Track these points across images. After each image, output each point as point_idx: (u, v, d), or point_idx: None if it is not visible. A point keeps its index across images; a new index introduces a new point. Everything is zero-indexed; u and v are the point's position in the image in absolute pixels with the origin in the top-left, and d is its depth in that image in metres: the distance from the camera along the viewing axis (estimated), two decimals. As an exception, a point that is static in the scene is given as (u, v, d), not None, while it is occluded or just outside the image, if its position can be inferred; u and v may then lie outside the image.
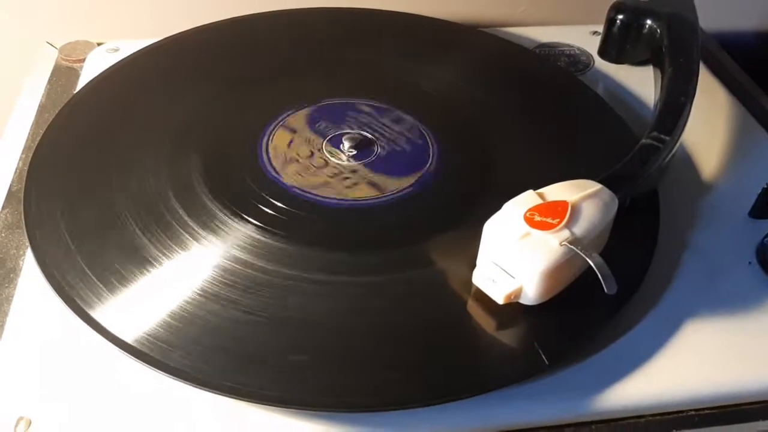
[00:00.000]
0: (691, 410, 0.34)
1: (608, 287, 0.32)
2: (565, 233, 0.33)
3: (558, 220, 0.33)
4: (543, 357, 0.33)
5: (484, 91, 0.49)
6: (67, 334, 0.34)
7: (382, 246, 0.38)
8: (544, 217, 0.33)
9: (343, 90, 0.48)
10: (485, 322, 0.34)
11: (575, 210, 0.34)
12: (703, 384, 0.34)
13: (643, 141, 0.40)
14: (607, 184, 0.36)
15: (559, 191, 0.35)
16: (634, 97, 0.52)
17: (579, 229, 0.33)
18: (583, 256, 0.32)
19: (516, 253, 0.33)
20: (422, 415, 0.32)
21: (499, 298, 0.33)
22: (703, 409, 0.34)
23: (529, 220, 0.33)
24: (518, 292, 0.33)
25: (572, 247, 0.32)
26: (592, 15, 0.58)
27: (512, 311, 0.34)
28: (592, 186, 0.35)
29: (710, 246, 0.40)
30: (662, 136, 0.40)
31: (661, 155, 0.39)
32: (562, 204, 0.34)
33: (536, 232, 0.33)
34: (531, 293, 0.33)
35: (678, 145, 0.42)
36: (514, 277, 0.33)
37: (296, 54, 0.51)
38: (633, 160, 0.39)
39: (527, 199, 0.34)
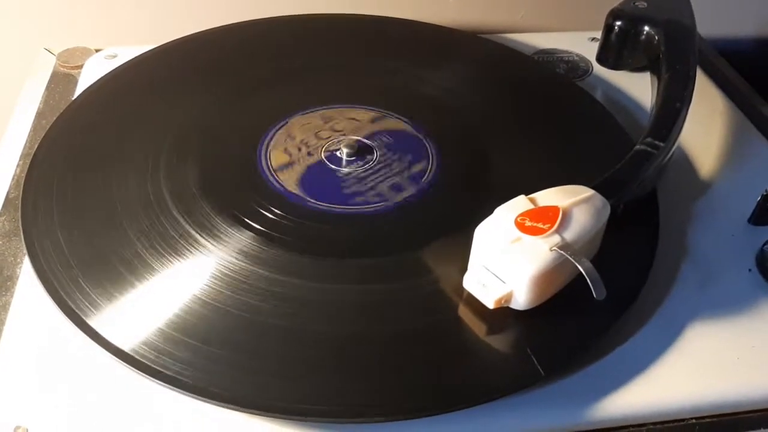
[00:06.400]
0: (692, 418, 0.34)
1: (597, 293, 0.31)
2: (556, 238, 0.33)
3: (549, 225, 0.33)
4: (538, 366, 0.33)
5: (483, 98, 0.49)
6: (64, 343, 0.34)
7: (376, 253, 0.38)
8: (534, 222, 0.33)
9: (342, 96, 0.48)
10: (479, 329, 0.34)
11: (566, 215, 0.34)
12: (703, 392, 0.34)
13: (637, 147, 0.40)
14: (599, 189, 0.36)
15: (550, 196, 0.35)
16: (633, 103, 0.52)
17: (570, 234, 0.33)
18: (573, 261, 0.32)
19: (506, 258, 0.33)
20: (412, 427, 0.32)
21: (490, 303, 0.33)
22: (704, 417, 0.34)
23: (520, 225, 0.33)
24: (509, 297, 0.33)
25: (562, 252, 0.32)
26: (591, 21, 0.58)
27: (506, 318, 0.34)
28: (584, 191, 0.35)
29: (710, 253, 0.40)
30: (656, 142, 0.40)
31: (655, 161, 0.39)
32: (553, 209, 0.34)
33: (527, 237, 0.33)
34: (521, 298, 0.33)
35: (673, 150, 0.42)
36: (504, 282, 0.33)
37: (295, 60, 0.51)
38: (626, 166, 0.39)
39: (518, 204, 0.34)
